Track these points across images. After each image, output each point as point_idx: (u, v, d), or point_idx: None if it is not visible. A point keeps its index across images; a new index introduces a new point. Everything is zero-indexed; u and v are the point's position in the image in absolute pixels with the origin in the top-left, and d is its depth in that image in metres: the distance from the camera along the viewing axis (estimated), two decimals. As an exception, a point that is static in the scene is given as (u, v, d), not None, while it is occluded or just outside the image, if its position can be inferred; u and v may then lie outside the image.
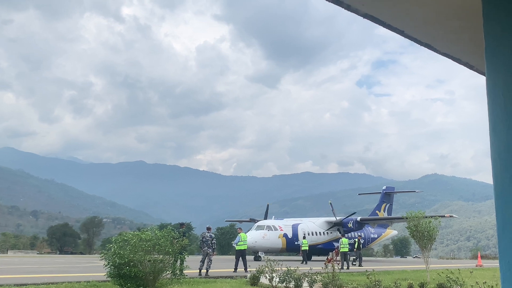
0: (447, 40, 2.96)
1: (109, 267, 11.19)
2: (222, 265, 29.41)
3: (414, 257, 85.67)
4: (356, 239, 37.62)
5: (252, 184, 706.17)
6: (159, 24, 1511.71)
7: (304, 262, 35.16)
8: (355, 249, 36.75)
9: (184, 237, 15.44)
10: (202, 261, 20.62)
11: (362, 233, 50.89)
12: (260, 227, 43.64)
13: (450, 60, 3.23)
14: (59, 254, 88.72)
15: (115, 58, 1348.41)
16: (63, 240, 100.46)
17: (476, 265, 36.65)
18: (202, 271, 20.24)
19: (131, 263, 10.92)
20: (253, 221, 52.68)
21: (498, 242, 2.17)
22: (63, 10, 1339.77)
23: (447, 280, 13.04)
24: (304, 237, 41.53)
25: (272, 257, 19.64)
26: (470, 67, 3.26)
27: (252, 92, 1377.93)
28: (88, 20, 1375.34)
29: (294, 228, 45.96)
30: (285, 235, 44.43)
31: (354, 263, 36.14)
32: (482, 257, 49.25)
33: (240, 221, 70.40)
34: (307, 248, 38.74)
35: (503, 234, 2.14)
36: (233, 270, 22.58)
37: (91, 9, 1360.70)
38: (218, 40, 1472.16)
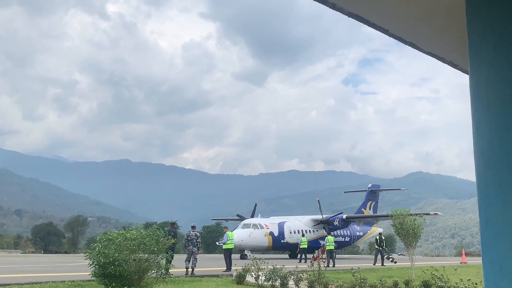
0: (431, 39, 2.97)
1: (94, 266, 11.11)
2: (208, 263, 29.36)
3: (399, 255, 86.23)
4: (378, 237, 36.10)
5: (238, 183, 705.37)
6: (144, 22, 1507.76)
7: (302, 261, 34.70)
8: (380, 248, 34.37)
9: (170, 236, 15.37)
10: (188, 260, 20.55)
11: (346, 231, 51.05)
12: (246, 226, 43.62)
13: (434, 58, 3.24)
14: (43, 253, 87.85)
15: (100, 56, 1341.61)
16: (48, 239, 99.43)
17: (461, 262, 36.97)
18: (188, 270, 20.19)
19: (116, 262, 10.85)
20: (240, 217, 52.61)
21: (481, 239, 2.19)
22: (47, 7, 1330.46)
23: (432, 277, 13.15)
24: (303, 235, 41.47)
25: (258, 256, 19.67)
26: (454, 66, 3.28)
27: (238, 90, 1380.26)
28: (73, 17, 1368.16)
29: (280, 226, 45.99)
30: (271, 233, 44.45)
31: (390, 260, 34.02)
32: (466, 254, 49.74)
33: (227, 220, 70.32)
34: (306, 246, 38.46)
35: (486, 231, 2.15)
36: (226, 269, 22.31)
37: (75, 6, 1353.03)
38: (204, 37, 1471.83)
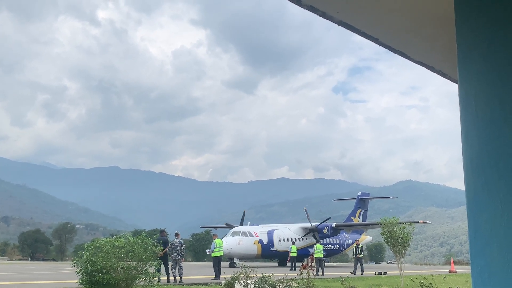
0: (421, 48, 2.99)
1: (81, 274, 11.03)
2: (197, 271, 29.25)
3: (388, 263, 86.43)
4: (355, 244, 35.45)
5: (228, 190, 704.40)
6: (135, 28, 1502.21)
7: (293, 269, 34.65)
8: (359, 256, 33.90)
9: (159, 244, 15.28)
10: (174, 268, 20.47)
11: (335, 239, 50.99)
12: (235, 234, 43.54)
13: (424, 67, 3.27)
14: (30, 260, 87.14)
15: (90, 62, 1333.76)
16: (35, 246, 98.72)
17: (450, 271, 37.10)
18: (176, 278, 20.11)
19: (104, 270, 10.77)
20: (229, 226, 52.52)
21: (469, 248, 2.19)
22: (37, 12, 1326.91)
23: (421, 286, 13.15)
24: (293, 243, 41.37)
25: (247, 264, 19.62)
26: (443, 75, 3.30)
27: (228, 97, 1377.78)
28: (63, 23, 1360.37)
29: (270, 234, 45.95)
30: (260, 241, 44.38)
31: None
32: (455, 262, 49.97)
33: (216, 227, 70.11)
34: (295, 254, 38.33)
35: (475, 240, 2.16)
36: (214, 277, 22.22)
37: (65, 12, 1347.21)
38: (194, 44, 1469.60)
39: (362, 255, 34.99)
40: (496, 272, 2.05)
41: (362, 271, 32.17)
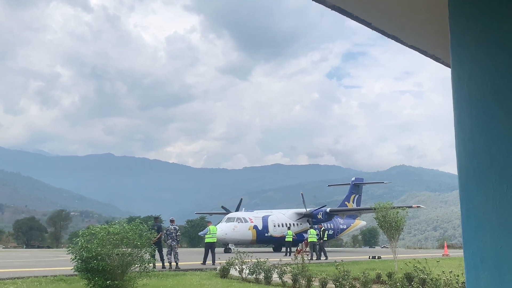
0: (414, 32, 2.97)
1: (76, 261, 11.03)
2: (193, 257, 29.34)
3: (382, 247, 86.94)
4: (319, 230, 33.84)
5: (222, 177, 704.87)
6: (128, 14, 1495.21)
7: (288, 254, 34.64)
8: (321, 241, 32.95)
9: (153, 230, 15.31)
10: (169, 254, 20.57)
11: (330, 224, 51.01)
12: (230, 219, 43.64)
13: (417, 52, 3.25)
14: (25, 248, 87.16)
15: (83, 49, 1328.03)
16: (30, 234, 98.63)
17: (443, 255, 37.38)
18: (172, 264, 20.20)
19: (99, 257, 10.78)
20: (225, 209, 52.66)
21: (462, 232, 2.20)
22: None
23: (415, 269, 13.25)
24: (289, 228, 41.36)
25: (242, 249, 19.72)
26: (437, 59, 3.29)
27: (222, 84, 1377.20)
28: (55, 9, 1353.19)
29: (264, 220, 46.09)
30: (255, 227, 44.53)
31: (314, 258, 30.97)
32: (448, 246, 50.30)
33: (211, 213, 70.21)
34: (291, 239, 38.39)
35: (467, 224, 2.17)
36: (202, 262, 22.46)
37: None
38: (188, 30, 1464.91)
39: (325, 240, 34.05)
40: (488, 255, 2.06)
41: (312, 257, 30.31)
